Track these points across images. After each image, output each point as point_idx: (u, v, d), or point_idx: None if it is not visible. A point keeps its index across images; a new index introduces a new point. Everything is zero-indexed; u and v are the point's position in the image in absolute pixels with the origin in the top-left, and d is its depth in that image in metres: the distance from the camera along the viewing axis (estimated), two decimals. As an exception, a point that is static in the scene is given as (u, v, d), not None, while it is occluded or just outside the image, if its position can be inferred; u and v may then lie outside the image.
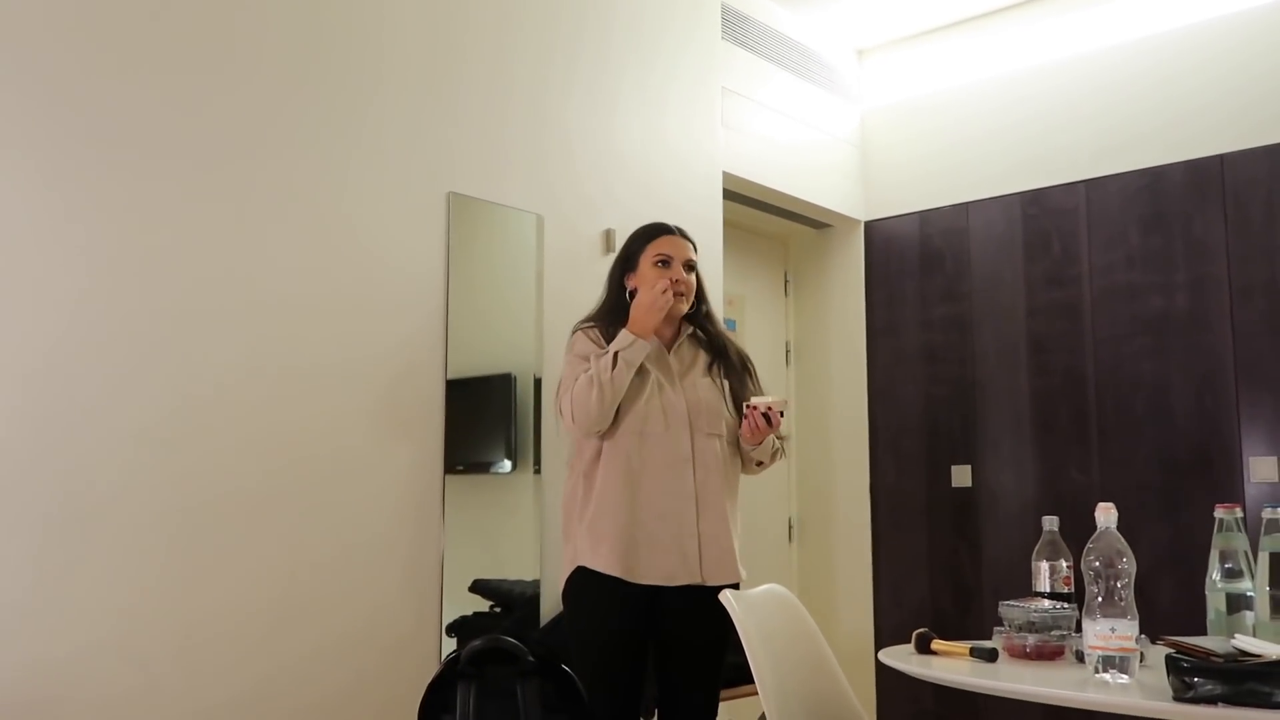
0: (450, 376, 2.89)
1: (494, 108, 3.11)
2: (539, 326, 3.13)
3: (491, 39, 3.13)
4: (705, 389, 2.57)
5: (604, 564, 2.46)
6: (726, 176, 4.00)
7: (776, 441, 2.64)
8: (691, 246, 2.65)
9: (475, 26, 3.09)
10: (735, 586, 2.48)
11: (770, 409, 2.44)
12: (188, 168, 2.42)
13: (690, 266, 2.62)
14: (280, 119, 2.59)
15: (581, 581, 2.51)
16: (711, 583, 2.47)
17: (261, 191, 2.54)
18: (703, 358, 2.64)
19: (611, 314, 2.61)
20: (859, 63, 4.81)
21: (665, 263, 2.59)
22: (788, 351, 4.85)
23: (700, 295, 2.68)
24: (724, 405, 2.59)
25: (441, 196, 2.94)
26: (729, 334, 2.74)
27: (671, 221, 2.71)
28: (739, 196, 4.23)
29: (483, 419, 3.00)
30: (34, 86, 2.19)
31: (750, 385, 2.66)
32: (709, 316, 2.71)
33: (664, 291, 2.49)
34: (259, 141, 2.55)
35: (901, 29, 4.61)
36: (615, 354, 2.46)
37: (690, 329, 2.68)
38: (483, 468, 3.00)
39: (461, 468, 2.90)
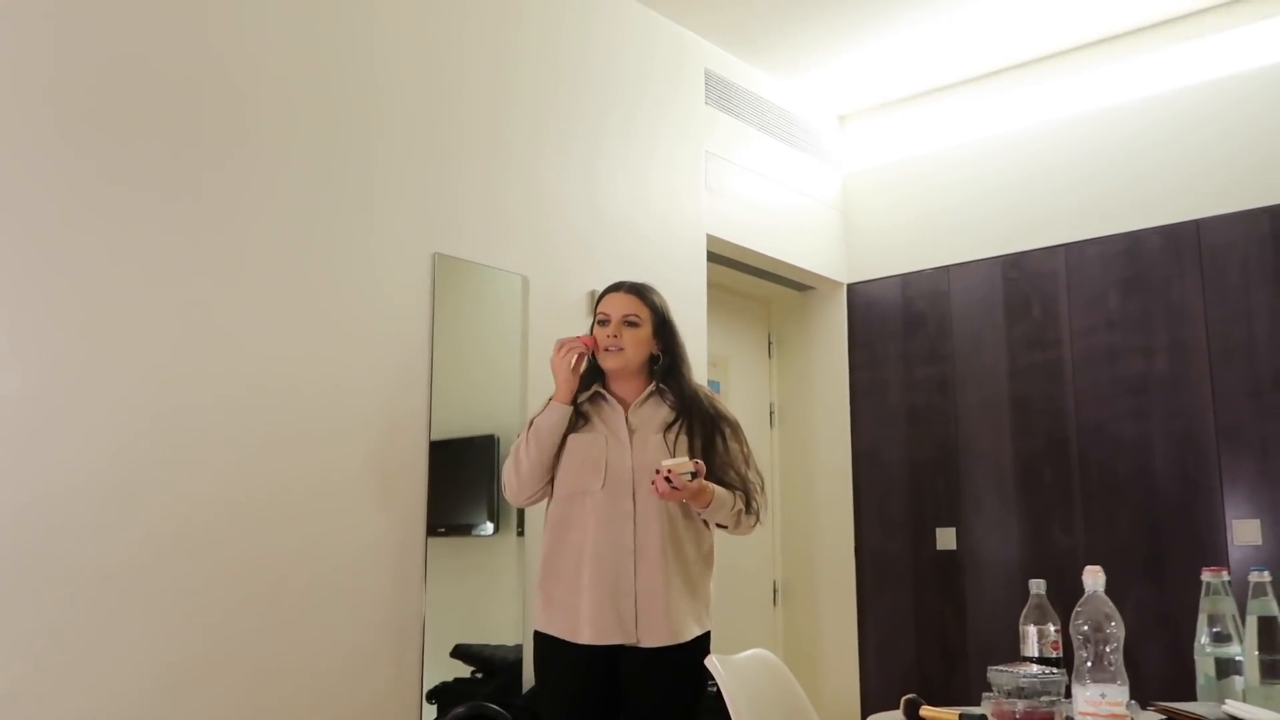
0: (433, 438, 2.87)
1: (479, 170, 3.13)
2: (523, 388, 3.12)
3: (476, 102, 3.16)
4: (655, 447, 2.49)
5: (548, 625, 2.48)
6: (710, 239, 4.03)
7: (739, 504, 2.50)
8: (639, 299, 2.57)
9: (460, 90, 3.12)
10: (697, 645, 2.43)
11: (670, 471, 2.33)
12: (171, 233, 2.41)
13: (630, 321, 2.54)
14: (267, 181, 2.60)
15: (538, 648, 2.51)
16: (646, 643, 2.41)
17: (248, 252, 2.54)
18: (663, 415, 2.54)
19: (587, 374, 2.61)
20: (840, 128, 4.88)
21: (603, 322, 2.56)
22: (771, 413, 4.85)
23: (670, 351, 2.59)
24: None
25: (427, 257, 2.95)
26: (712, 394, 2.65)
27: (652, 281, 2.68)
28: (722, 259, 4.26)
29: (465, 480, 2.98)
30: (13, 155, 2.20)
31: (722, 445, 2.54)
32: (677, 372, 2.59)
33: (561, 354, 2.48)
34: (244, 202, 2.55)
35: (882, 95, 4.69)
36: (531, 421, 2.53)
37: (653, 385, 2.57)
38: (465, 530, 2.97)
39: (443, 530, 2.87)
